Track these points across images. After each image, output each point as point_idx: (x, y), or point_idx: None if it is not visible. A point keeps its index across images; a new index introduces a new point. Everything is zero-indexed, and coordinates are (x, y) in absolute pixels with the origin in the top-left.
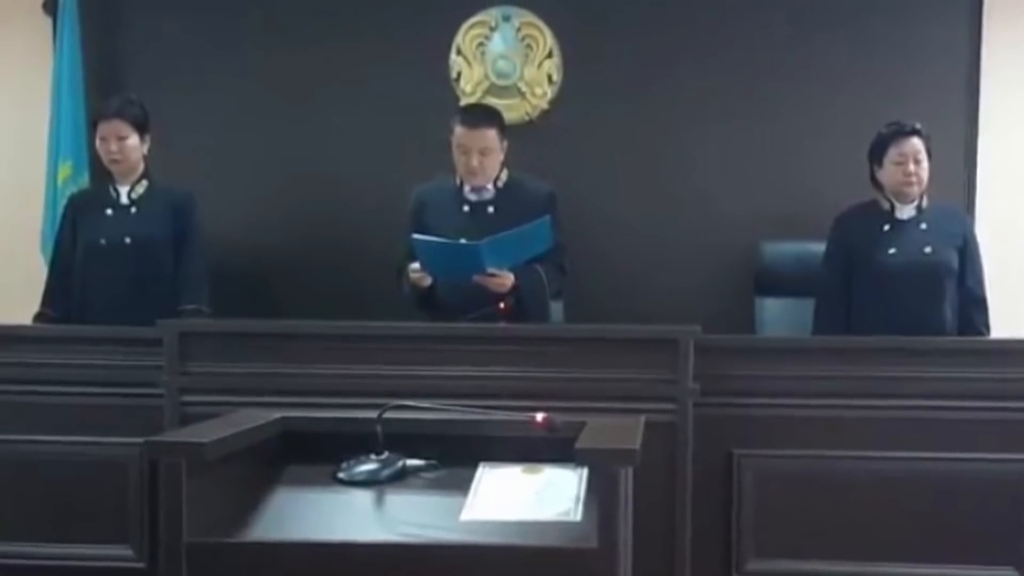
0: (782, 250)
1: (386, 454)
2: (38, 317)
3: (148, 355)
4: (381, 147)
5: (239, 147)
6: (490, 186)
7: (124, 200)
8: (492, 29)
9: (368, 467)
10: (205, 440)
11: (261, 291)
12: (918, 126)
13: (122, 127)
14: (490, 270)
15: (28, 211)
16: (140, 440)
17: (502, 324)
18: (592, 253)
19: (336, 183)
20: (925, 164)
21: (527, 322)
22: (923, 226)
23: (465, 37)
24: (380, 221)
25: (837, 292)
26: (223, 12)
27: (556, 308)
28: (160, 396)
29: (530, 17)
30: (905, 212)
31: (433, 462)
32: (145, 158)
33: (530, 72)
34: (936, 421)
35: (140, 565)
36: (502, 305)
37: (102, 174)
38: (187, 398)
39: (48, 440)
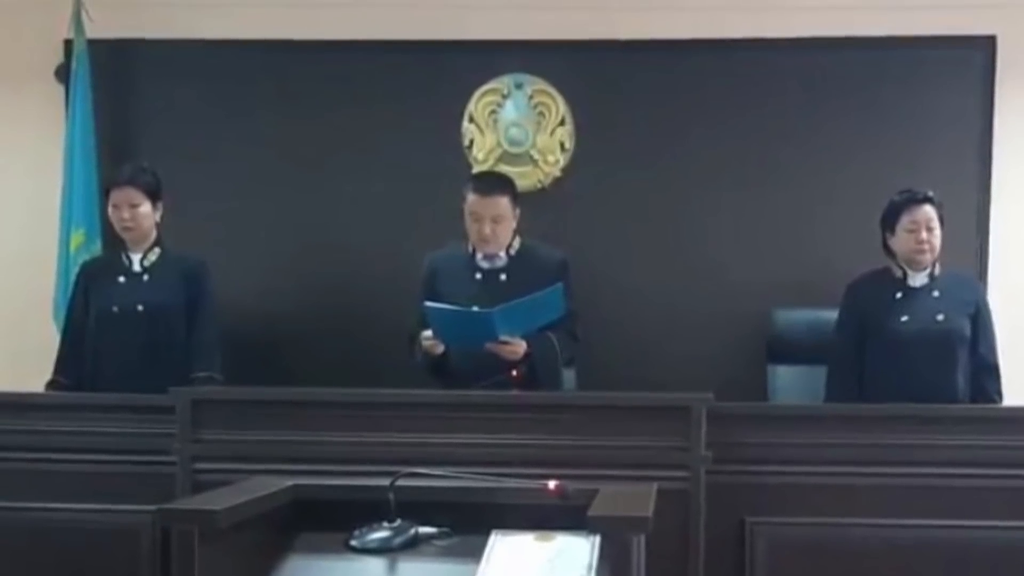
0: (794, 318)
1: (399, 521)
2: (51, 384)
3: (160, 423)
4: (393, 215)
5: (251, 215)
6: (502, 254)
7: (136, 268)
8: (504, 97)
9: (381, 535)
10: (218, 508)
11: (273, 359)
12: (930, 194)
13: (134, 195)
14: (502, 338)
15: (40, 278)
16: (152, 508)
17: (514, 392)
18: (604, 320)
19: (348, 251)
20: (937, 232)
21: (539, 390)
22: (935, 294)
23: (477, 105)
24: (392, 289)
25: (849, 360)
26: (235, 80)
27: (568, 376)
28: (172, 464)
29: (542, 85)
30: (917, 280)
31: (446, 530)
32: (157, 226)
33: (542, 140)
34: (949, 489)
35: None
36: (514, 373)
37: (114, 242)
38: (199, 465)
39: (60, 508)
